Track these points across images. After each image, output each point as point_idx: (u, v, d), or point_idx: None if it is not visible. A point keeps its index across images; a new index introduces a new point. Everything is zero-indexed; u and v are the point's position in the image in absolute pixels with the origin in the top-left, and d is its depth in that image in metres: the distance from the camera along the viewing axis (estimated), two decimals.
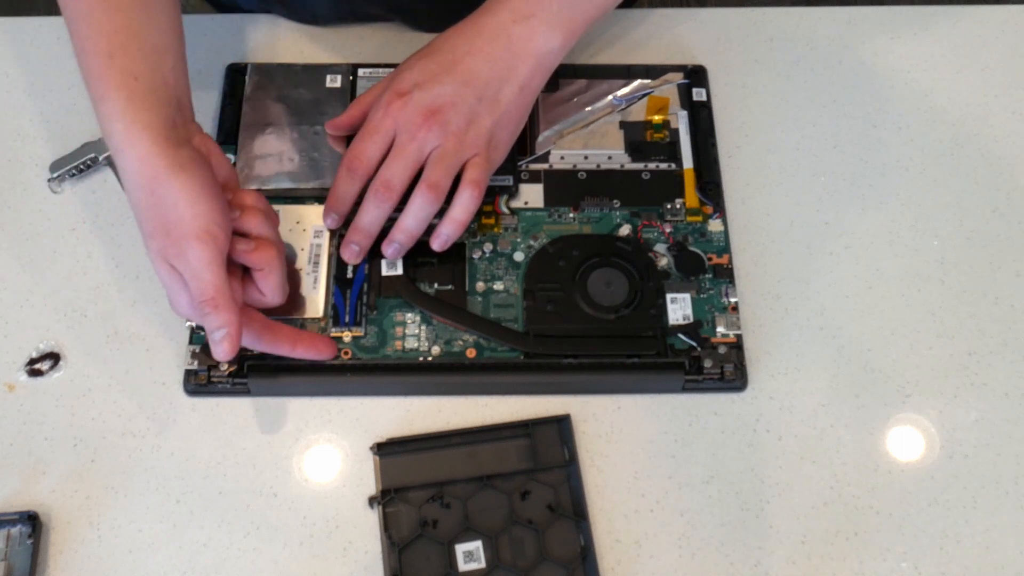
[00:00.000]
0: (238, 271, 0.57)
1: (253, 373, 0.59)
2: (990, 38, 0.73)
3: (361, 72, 0.69)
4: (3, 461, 0.58)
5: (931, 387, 0.61)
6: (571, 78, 0.69)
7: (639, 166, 0.66)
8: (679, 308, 0.61)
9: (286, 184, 0.64)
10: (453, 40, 0.60)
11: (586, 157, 0.66)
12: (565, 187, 0.65)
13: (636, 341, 0.60)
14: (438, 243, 0.60)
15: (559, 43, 0.60)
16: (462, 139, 0.58)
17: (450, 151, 0.58)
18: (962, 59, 0.72)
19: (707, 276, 0.62)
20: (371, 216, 0.59)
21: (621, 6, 0.74)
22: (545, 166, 0.66)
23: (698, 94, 0.68)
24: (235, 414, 0.59)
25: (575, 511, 0.56)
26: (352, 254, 0.60)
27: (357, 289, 0.61)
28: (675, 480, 0.58)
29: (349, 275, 0.61)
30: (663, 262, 0.63)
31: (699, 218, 0.64)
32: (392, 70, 0.62)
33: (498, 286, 0.62)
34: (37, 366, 0.61)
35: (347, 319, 0.60)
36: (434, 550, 0.55)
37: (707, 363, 0.59)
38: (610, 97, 0.68)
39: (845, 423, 0.60)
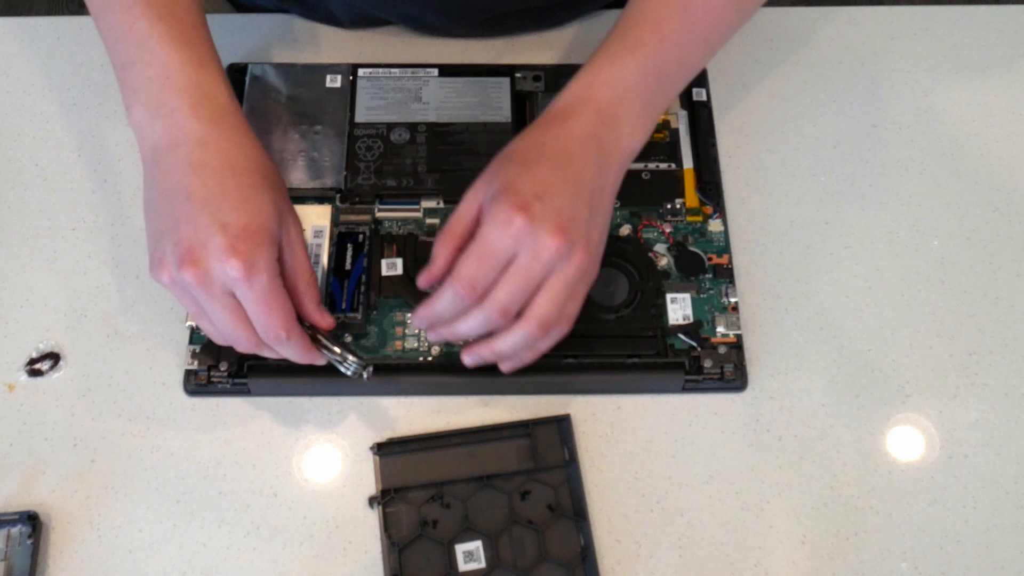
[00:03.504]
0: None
1: (253, 373, 0.59)
2: (990, 38, 0.73)
3: (361, 72, 0.69)
4: (3, 461, 0.58)
5: (931, 387, 0.61)
6: (571, 78, 0.68)
7: (639, 166, 0.66)
8: (679, 308, 0.61)
9: (286, 184, 0.64)
10: (550, 144, 0.55)
11: None
12: None
13: (636, 341, 0.60)
14: (470, 359, 0.56)
15: (640, 142, 0.57)
16: (584, 269, 0.53)
17: (569, 280, 0.53)
18: (962, 59, 0.72)
19: (707, 276, 0.62)
20: (474, 330, 0.54)
21: (618, 6, 0.74)
22: None
23: (698, 94, 0.68)
24: (235, 414, 0.59)
25: (575, 511, 0.56)
26: (437, 337, 0.56)
27: (355, 280, 0.61)
28: (675, 480, 0.58)
29: (348, 267, 0.61)
30: (663, 262, 0.63)
31: (699, 218, 0.64)
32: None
33: None
34: (37, 366, 0.61)
35: (343, 305, 0.60)
36: (434, 550, 0.55)
37: (707, 363, 0.59)
38: None
39: (845, 423, 0.60)
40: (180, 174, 0.53)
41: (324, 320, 0.56)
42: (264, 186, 0.54)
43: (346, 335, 0.60)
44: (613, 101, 0.56)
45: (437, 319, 0.54)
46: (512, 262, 0.52)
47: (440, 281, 0.54)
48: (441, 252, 0.54)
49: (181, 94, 0.54)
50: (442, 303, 0.53)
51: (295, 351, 0.55)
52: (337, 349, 0.56)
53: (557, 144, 0.54)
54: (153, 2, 0.56)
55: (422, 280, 0.55)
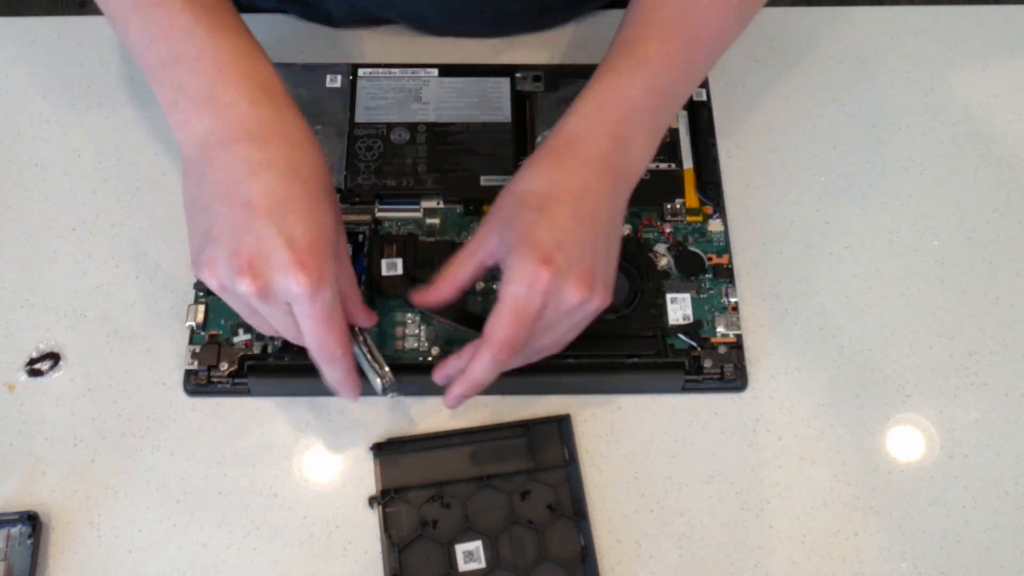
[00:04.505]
0: None
1: (253, 373, 0.59)
2: (990, 38, 0.73)
3: (361, 72, 0.69)
4: (3, 461, 0.58)
5: (931, 387, 0.61)
6: (571, 78, 0.69)
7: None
8: (679, 308, 0.61)
9: None
10: (564, 180, 0.53)
11: None
12: None
13: (636, 341, 0.60)
14: (451, 401, 0.55)
15: (648, 161, 0.56)
16: (600, 309, 0.53)
17: (583, 322, 0.54)
18: (962, 59, 0.72)
19: (707, 276, 0.62)
20: (491, 374, 0.53)
21: (618, 6, 0.74)
22: None
23: (698, 94, 0.68)
24: (235, 414, 0.59)
25: (575, 511, 0.56)
26: (456, 402, 0.55)
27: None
28: (675, 480, 0.58)
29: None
30: (663, 262, 0.63)
31: (699, 218, 0.64)
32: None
33: (498, 286, 0.61)
34: (37, 366, 0.61)
35: None
36: (434, 550, 0.55)
37: (707, 363, 0.59)
38: None
39: (845, 423, 0.60)
40: (239, 175, 0.50)
41: (369, 318, 0.55)
42: (326, 193, 0.52)
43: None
44: (623, 123, 0.54)
45: (473, 386, 0.54)
46: (541, 314, 0.52)
47: (435, 307, 0.55)
48: (445, 287, 0.54)
49: (237, 87, 0.51)
50: (481, 370, 0.52)
51: (341, 373, 0.53)
52: (378, 355, 0.55)
53: (570, 179, 0.53)
54: None
55: (416, 297, 0.55)
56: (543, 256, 0.50)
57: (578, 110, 0.55)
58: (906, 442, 0.59)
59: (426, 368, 0.59)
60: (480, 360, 0.52)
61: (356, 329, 0.55)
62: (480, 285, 0.61)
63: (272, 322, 0.52)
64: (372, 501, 0.57)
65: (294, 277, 0.48)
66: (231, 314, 0.58)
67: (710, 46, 0.58)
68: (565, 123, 0.55)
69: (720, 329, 0.60)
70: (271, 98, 0.52)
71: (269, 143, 0.51)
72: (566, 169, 0.53)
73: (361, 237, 0.63)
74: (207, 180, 0.51)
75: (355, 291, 0.54)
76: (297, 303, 0.50)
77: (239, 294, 0.50)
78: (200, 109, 0.51)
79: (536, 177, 0.53)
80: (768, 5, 0.66)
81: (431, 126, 0.67)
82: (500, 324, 0.51)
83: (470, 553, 0.55)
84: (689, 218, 0.64)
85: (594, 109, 0.55)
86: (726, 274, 0.62)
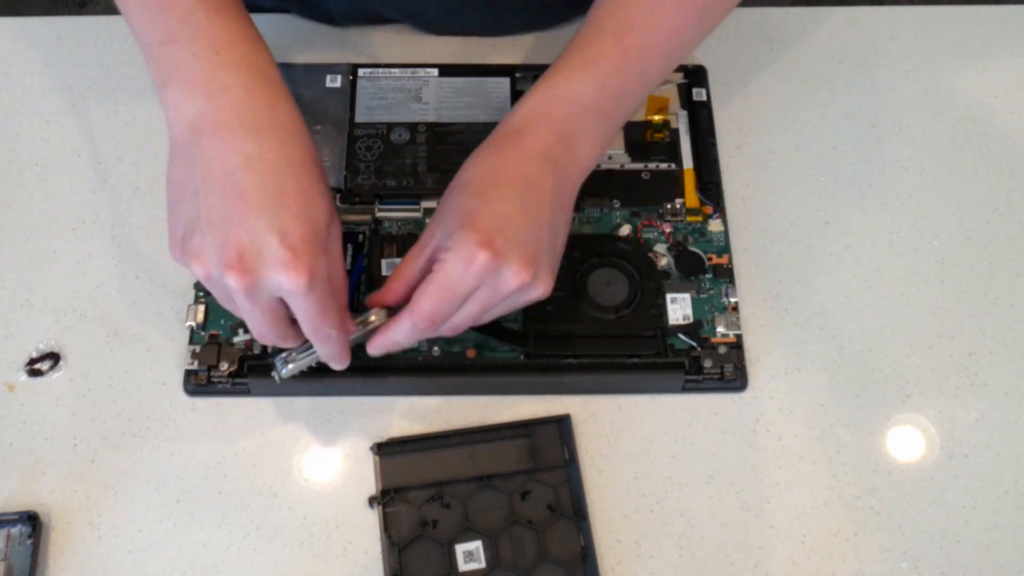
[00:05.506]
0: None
1: (253, 373, 0.59)
2: (990, 38, 0.73)
3: (361, 72, 0.69)
4: (3, 461, 0.58)
5: (931, 387, 0.61)
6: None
7: (639, 166, 0.66)
8: (679, 308, 0.61)
9: None
10: (505, 169, 0.53)
11: None
12: None
13: (636, 341, 0.60)
14: (371, 349, 0.55)
15: (596, 159, 0.56)
16: (542, 296, 0.53)
17: (522, 304, 0.54)
18: (962, 59, 0.72)
19: (707, 276, 0.62)
20: (413, 341, 0.54)
21: None
22: None
23: (698, 94, 0.68)
24: (235, 414, 0.59)
25: (575, 511, 0.56)
26: (375, 351, 0.55)
27: (355, 280, 0.61)
28: (675, 480, 0.58)
29: (347, 267, 0.61)
30: (663, 262, 0.62)
31: (699, 218, 0.64)
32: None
33: None
34: (37, 366, 0.61)
35: None
36: (434, 550, 0.55)
37: (707, 363, 0.59)
38: None
39: (845, 423, 0.60)
40: (231, 164, 0.49)
41: (343, 327, 0.55)
42: (319, 183, 0.51)
43: None
44: (570, 119, 0.54)
45: (394, 346, 0.54)
46: (471, 294, 0.52)
47: (392, 307, 0.54)
48: (396, 287, 0.54)
49: (234, 72, 0.51)
50: (400, 333, 0.53)
51: (335, 348, 0.54)
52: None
53: (513, 169, 0.53)
54: None
55: (371, 299, 0.55)
56: (482, 239, 0.50)
57: (524, 104, 0.55)
58: (906, 442, 0.59)
59: (425, 368, 0.59)
60: (400, 324, 0.53)
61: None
62: None
63: (247, 320, 0.52)
64: (372, 501, 0.57)
65: (286, 275, 0.48)
66: (231, 314, 0.58)
67: (668, 48, 0.58)
68: (511, 116, 0.55)
69: (720, 329, 0.60)
70: (267, 85, 0.52)
71: (262, 133, 0.50)
72: (508, 159, 0.53)
73: (361, 237, 0.63)
74: (197, 164, 0.50)
75: (341, 294, 0.54)
76: (291, 297, 0.50)
77: (226, 287, 0.50)
78: (195, 90, 0.51)
79: (478, 166, 0.54)
80: (768, 5, 0.66)
81: (431, 126, 0.67)
82: (427, 297, 0.51)
83: (470, 553, 0.55)
84: (689, 218, 0.64)
85: (540, 103, 0.55)
86: (726, 274, 0.62)
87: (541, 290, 0.52)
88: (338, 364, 0.55)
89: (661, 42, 0.57)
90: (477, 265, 0.50)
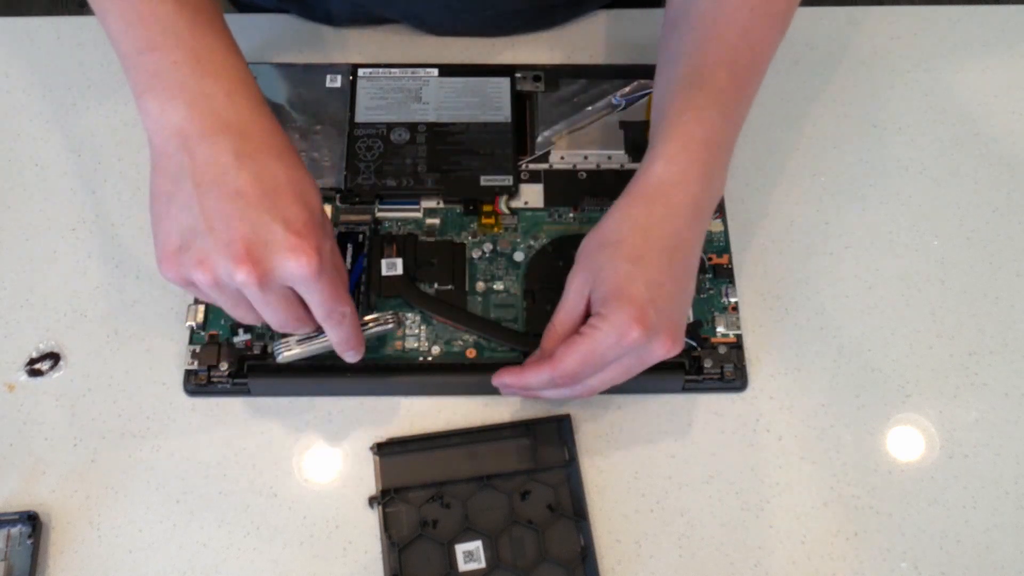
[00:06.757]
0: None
1: (253, 373, 0.59)
2: (990, 38, 0.73)
3: (361, 72, 0.69)
4: (3, 461, 0.58)
5: (931, 387, 0.61)
6: (571, 78, 0.69)
7: (639, 166, 0.66)
8: None
9: None
10: (657, 229, 0.53)
11: (586, 157, 0.66)
12: (565, 187, 0.65)
13: None
14: (497, 381, 0.56)
15: (723, 188, 0.57)
16: (677, 353, 0.54)
17: (650, 364, 0.54)
18: (962, 59, 0.72)
19: (707, 276, 0.62)
20: (542, 387, 0.55)
21: (618, 6, 0.74)
22: (545, 166, 0.66)
23: None
24: (235, 414, 0.59)
25: (575, 511, 0.56)
26: (501, 386, 0.56)
27: (355, 280, 0.61)
28: (675, 480, 0.58)
29: (347, 267, 0.61)
30: None
31: None
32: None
33: (498, 286, 0.62)
34: (37, 366, 0.61)
35: None
36: (434, 550, 0.55)
37: (707, 363, 0.59)
38: (610, 97, 0.68)
39: (845, 423, 0.60)
40: (225, 165, 0.49)
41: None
42: (305, 173, 0.52)
43: None
44: (709, 162, 0.54)
45: (526, 390, 0.55)
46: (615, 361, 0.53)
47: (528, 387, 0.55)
48: (550, 346, 0.54)
49: (215, 79, 0.51)
50: (536, 380, 0.54)
51: (349, 330, 0.54)
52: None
53: (664, 228, 0.53)
54: None
55: (527, 362, 0.56)
56: (638, 314, 0.51)
57: (663, 152, 0.54)
58: (906, 442, 0.59)
59: (426, 368, 0.59)
60: (540, 372, 0.53)
61: None
62: (481, 286, 0.61)
63: (263, 314, 0.52)
64: (372, 501, 0.57)
65: (296, 259, 0.49)
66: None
67: (765, 64, 0.59)
68: (652, 166, 0.55)
69: (720, 329, 0.60)
70: (247, 92, 0.52)
71: (248, 134, 0.51)
72: (659, 218, 0.53)
73: (361, 237, 0.63)
74: (187, 173, 0.50)
75: (343, 275, 0.54)
76: (302, 283, 0.50)
77: (236, 284, 0.49)
78: (176, 98, 0.51)
79: (628, 223, 0.54)
80: None
81: (431, 126, 0.67)
82: (573, 358, 0.52)
83: (470, 553, 0.55)
84: None
85: (680, 151, 0.54)
86: (726, 274, 0.62)
87: (676, 352, 0.53)
88: (352, 352, 0.55)
89: (762, 60, 0.58)
90: (629, 340, 0.51)
